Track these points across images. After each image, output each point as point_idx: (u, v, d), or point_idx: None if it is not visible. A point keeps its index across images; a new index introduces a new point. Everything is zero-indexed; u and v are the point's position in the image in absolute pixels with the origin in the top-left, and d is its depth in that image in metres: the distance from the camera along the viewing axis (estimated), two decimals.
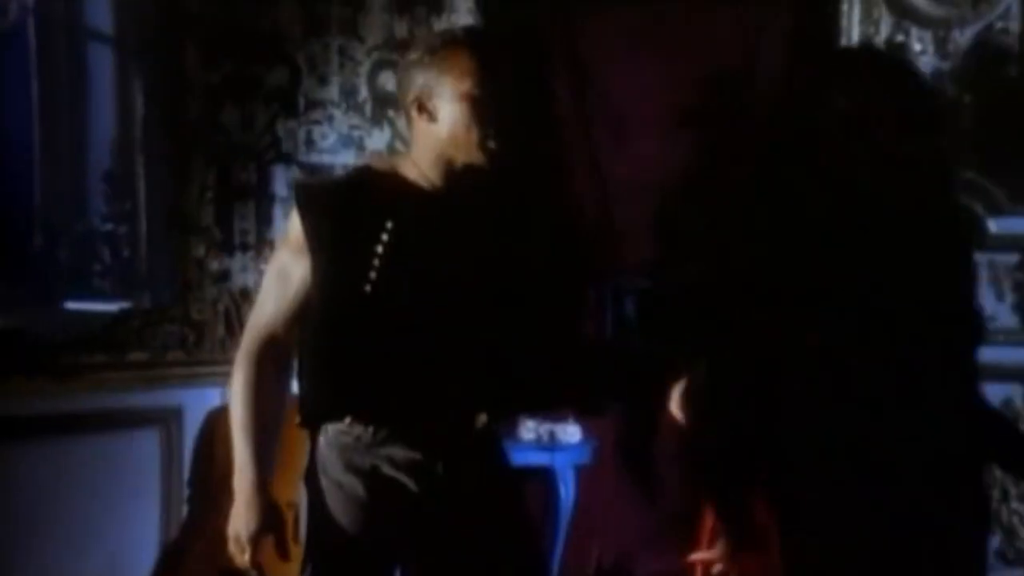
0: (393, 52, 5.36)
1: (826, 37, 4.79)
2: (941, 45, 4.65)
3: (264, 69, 5.38)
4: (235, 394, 3.13)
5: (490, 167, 2.98)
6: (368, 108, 5.47)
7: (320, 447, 3.12)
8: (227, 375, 4.83)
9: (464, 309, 3.03)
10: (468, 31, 3.15)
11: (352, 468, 3.06)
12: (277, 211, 5.43)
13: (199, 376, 5.21)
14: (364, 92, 5.46)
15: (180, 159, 5.24)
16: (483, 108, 2.96)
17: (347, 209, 3.05)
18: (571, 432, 5.24)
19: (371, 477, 3.05)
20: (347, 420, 3.04)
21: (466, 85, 2.94)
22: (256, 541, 3.10)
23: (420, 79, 2.99)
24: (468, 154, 2.99)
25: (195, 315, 5.29)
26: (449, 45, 3.01)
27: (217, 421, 4.87)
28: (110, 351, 5.07)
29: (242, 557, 3.12)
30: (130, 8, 5.18)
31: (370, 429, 3.03)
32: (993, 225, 4.55)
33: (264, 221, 5.43)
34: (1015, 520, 4.59)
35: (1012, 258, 4.58)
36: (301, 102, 5.44)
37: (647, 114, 4.97)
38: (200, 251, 5.28)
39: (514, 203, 3.16)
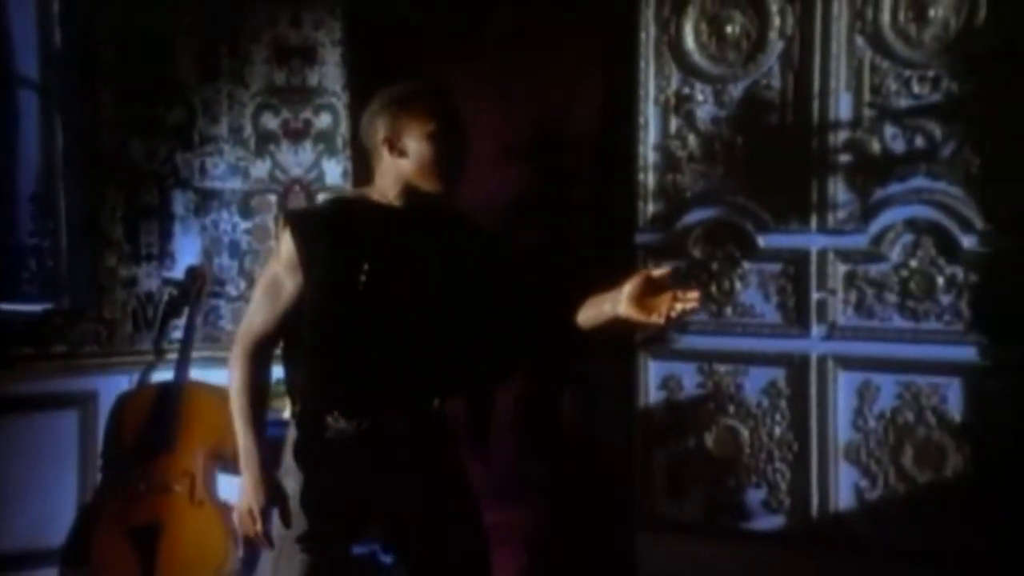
0: (272, 97, 5.56)
1: (628, 89, 4.96)
2: (719, 97, 4.85)
3: (166, 110, 5.47)
4: (236, 389, 3.17)
5: (445, 192, 3.14)
6: (252, 143, 5.62)
7: (310, 430, 3.20)
8: (135, 365, 5.11)
9: (426, 309, 3.14)
10: (428, 85, 3.22)
11: (336, 445, 3.16)
12: (176, 227, 5.51)
13: (111, 366, 5.32)
14: (249, 129, 5.61)
15: (95, 184, 5.33)
16: (443, 145, 3.11)
17: (334, 230, 3.14)
18: None
19: (352, 452, 3.14)
20: (336, 412, 3.14)
21: (431, 127, 3.10)
22: (265, 514, 3.13)
23: (390, 123, 3.13)
24: (429, 182, 3.13)
25: (107, 315, 5.36)
26: (415, 96, 3.14)
27: (124, 402, 5.07)
28: (36, 344, 5.22)
29: (254, 527, 3.15)
30: (53, 59, 5.25)
31: (354, 417, 3.13)
32: (761, 241, 4.77)
33: (165, 236, 5.50)
34: (777, 476, 4.82)
35: (776, 267, 4.76)
36: (196, 137, 5.54)
37: (489, 148, 4.92)
38: (112, 261, 5.37)
39: (459, 218, 3.28)
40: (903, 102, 4.50)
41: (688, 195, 4.90)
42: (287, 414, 3.27)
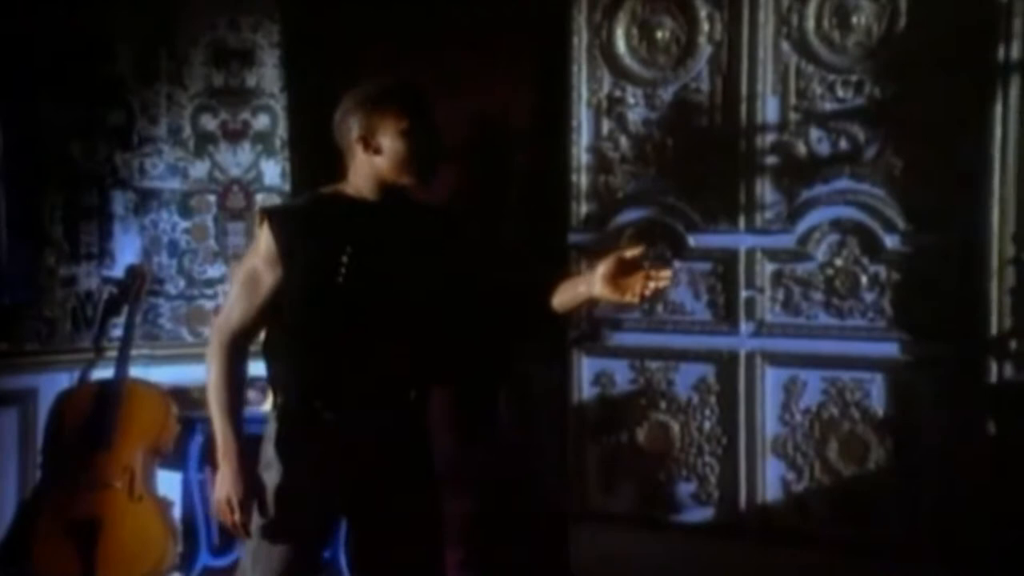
0: (211, 98, 5.52)
1: (561, 92, 4.92)
2: (649, 99, 4.82)
3: (105, 111, 5.41)
4: (214, 382, 3.15)
5: (419, 187, 3.16)
6: (191, 143, 5.57)
7: (290, 423, 3.19)
8: (75, 363, 5.05)
9: (404, 301, 3.14)
10: (400, 83, 3.20)
11: (317, 436, 3.15)
12: (116, 227, 5.44)
13: (51, 363, 5.26)
14: (188, 130, 5.56)
15: (36, 184, 5.26)
16: (417, 141, 3.11)
17: (313, 225, 3.15)
18: None
19: (332, 442, 3.14)
20: (317, 404, 3.13)
21: (404, 124, 3.10)
22: (245, 505, 3.13)
23: (364, 121, 3.11)
24: (404, 178, 3.14)
25: (48, 313, 5.29)
26: (387, 94, 3.14)
27: (64, 400, 5.04)
28: None
29: (232, 518, 3.14)
30: None
31: (335, 408, 3.13)
32: (691, 240, 4.74)
33: (105, 235, 5.43)
34: (707, 470, 4.81)
35: (706, 266, 4.73)
36: (135, 138, 5.48)
37: None
38: (52, 260, 5.30)
39: (434, 211, 3.31)
40: (828, 106, 4.50)
41: (620, 196, 4.87)
42: (267, 407, 3.29)
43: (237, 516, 3.11)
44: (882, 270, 4.47)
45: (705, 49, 4.70)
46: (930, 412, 4.38)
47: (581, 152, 4.90)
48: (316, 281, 3.10)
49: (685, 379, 4.81)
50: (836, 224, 4.52)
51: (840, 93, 4.49)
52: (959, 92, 4.24)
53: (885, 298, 4.48)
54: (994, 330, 4.24)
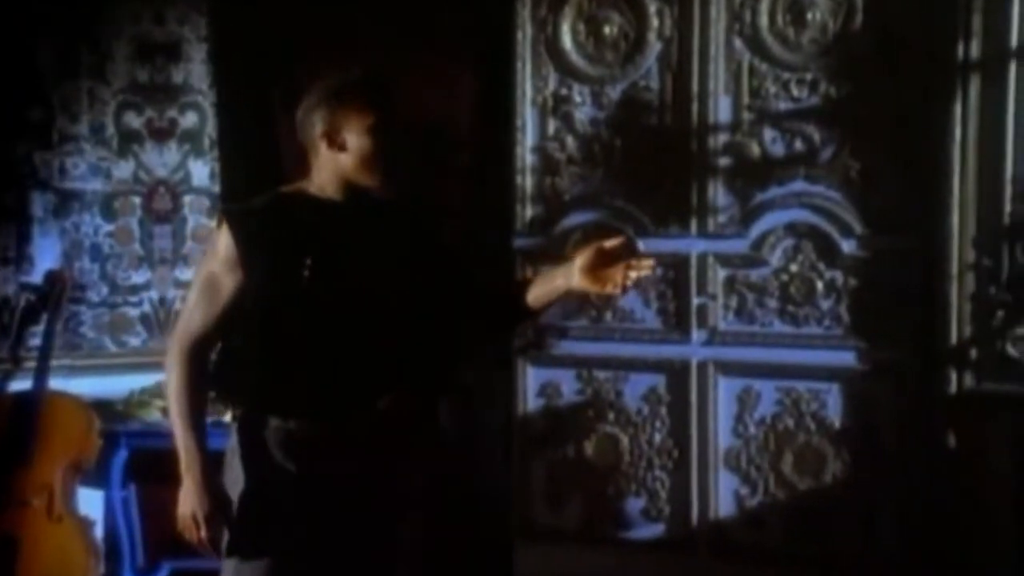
0: (136, 95, 5.39)
1: (505, 90, 4.84)
2: (597, 98, 4.74)
3: (23, 108, 5.29)
4: (175, 392, 3.10)
5: (386, 186, 3.10)
6: (115, 142, 5.45)
7: (253, 434, 3.13)
8: None
9: (371, 305, 3.09)
10: (366, 76, 3.15)
11: (282, 448, 3.09)
12: (35, 230, 5.34)
13: None
14: (111, 128, 5.43)
15: None
16: (384, 138, 3.05)
17: (274, 226, 3.08)
18: None
19: (301, 457, 3.09)
20: (281, 414, 3.08)
21: (370, 120, 3.03)
22: (211, 520, 3.07)
23: (328, 117, 3.05)
24: (370, 177, 3.08)
25: None
26: (353, 88, 3.08)
27: None
28: None
29: (197, 534, 3.09)
30: None
31: (300, 418, 3.08)
32: (641, 245, 4.03)
33: (23, 239, 5.33)
34: (657, 484, 4.75)
35: (656, 272, 4.37)
36: (55, 136, 5.35)
37: None
38: None
39: (400, 210, 3.23)
40: (782, 105, 4.45)
41: (567, 198, 4.80)
42: (228, 418, 3.26)
43: (203, 532, 3.05)
44: (839, 276, 4.43)
45: (655, 46, 4.64)
46: (888, 423, 4.35)
47: (526, 153, 4.83)
48: (278, 285, 3.05)
49: (634, 390, 4.75)
50: (791, 228, 4.48)
51: (795, 92, 4.45)
52: (918, 91, 4.22)
53: (842, 305, 4.44)
54: (954, 338, 4.22)
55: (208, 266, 3.12)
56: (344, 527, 3.16)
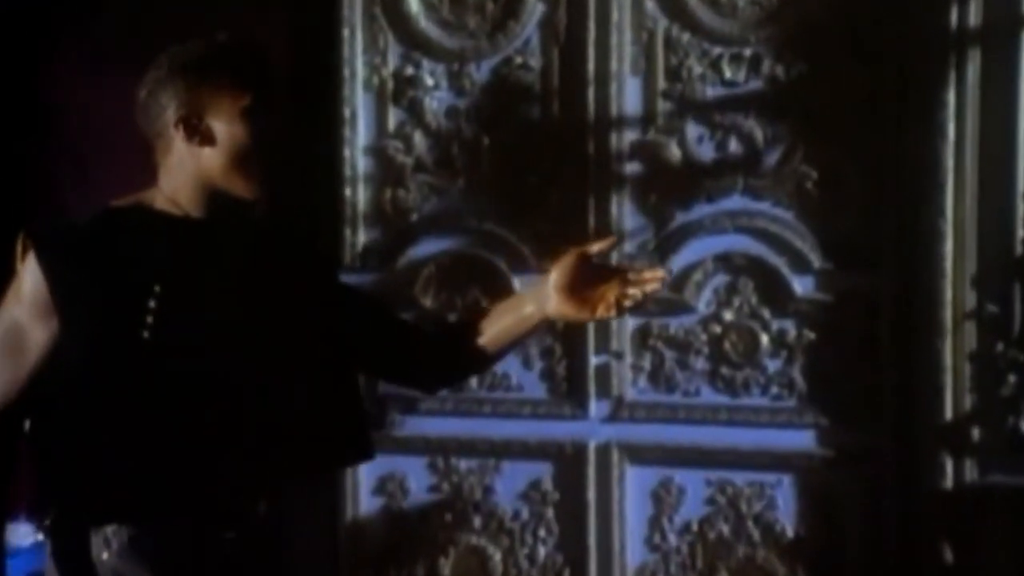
0: None
1: (326, 69, 4.32)
2: (456, 80, 4.23)
3: None
4: None
5: (260, 194, 2.73)
6: None
7: (73, 551, 2.72)
8: None
9: (244, 363, 2.74)
10: (238, 43, 2.77)
11: (114, 572, 2.70)
12: None
13: None
14: None
15: None
16: (263, 127, 2.70)
17: (103, 255, 2.71)
18: (23, 533, 4.51)
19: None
20: (112, 523, 2.68)
21: (245, 101, 2.67)
22: None
23: (186, 96, 2.67)
24: (242, 181, 2.71)
25: None
26: (221, 57, 2.72)
27: None
28: None
29: None
30: None
31: (139, 530, 2.69)
32: (518, 283, 4.09)
33: None
34: None
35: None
36: None
37: (128, 146, 3.84)
38: None
39: (280, 232, 2.95)
40: (711, 91, 4.01)
41: (415, 218, 4.28)
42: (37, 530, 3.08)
43: None
44: (790, 326, 3.97)
45: (535, 8, 4.12)
46: (858, 529, 3.95)
47: (356, 155, 4.30)
48: (109, 337, 2.67)
49: (510, 484, 4.22)
50: (725, 260, 4.01)
51: (728, 73, 3.99)
52: (895, 72, 3.84)
53: (794, 366, 3.98)
54: (949, 413, 3.81)
55: (8, 312, 2.76)
56: None
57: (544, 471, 4.17)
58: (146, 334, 2.68)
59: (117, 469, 2.72)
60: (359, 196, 4.32)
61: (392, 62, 4.25)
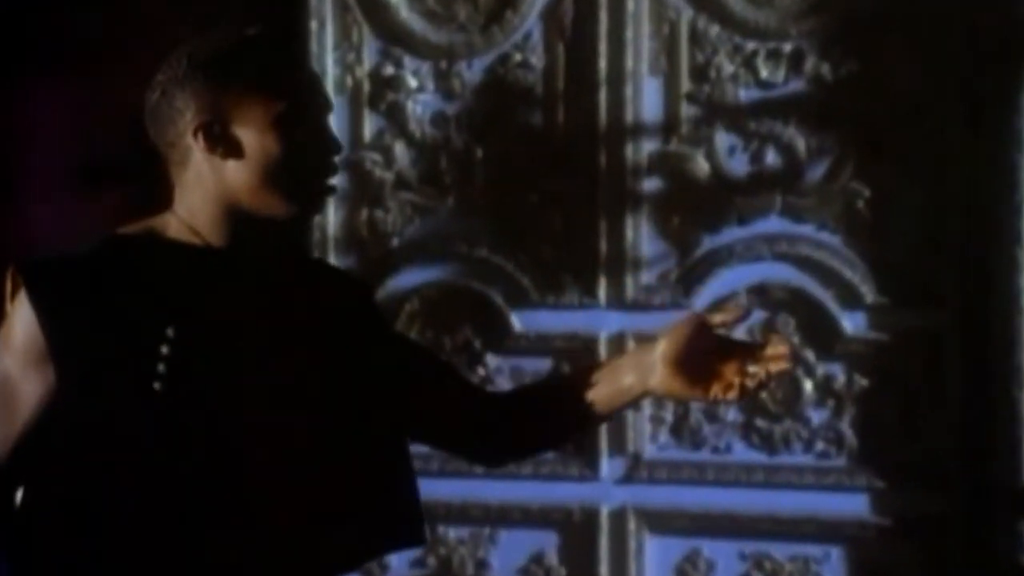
0: None
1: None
2: (444, 81, 3.94)
3: None
4: None
5: (299, 218, 2.36)
6: None
7: None
8: None
9: (276, 433, 2.41)
10: (267, 39, 2.33)
11: None
12: None
13: None
14: None
15: None
16: (300, 139, 2.29)
17: (108, 293, 2.39)
18: None
19: None
20: None
21: (280, 106, 2.28)
22: None
23: (209, 99, 2.29)
24: (275, 202, 2.34)
25: None
26: (250, 55, 2.30)
27: None
28: None
29: None
30: None
31: None
32: (517, 321, 3.83)
33: None
34: None
35: (542, 363, 3.87)
36: None
37: (60, 167, 4.12)
38: None
39: (318, 266, 2.74)
40: (744, 94, 3.72)
41: (395, 243, 4.00)
42: None
43: None
44: (838, 371, 3.72)
45: None
46: None
47: None
48: (115, 391, 2.31)
49: (508, 556, 3.91)
50: (761, 293, 3.74)
51: (764, 73, 3.71)
52: (964, 71, 3.55)
53: (844, 418, 3.69)
54: None
55: None
56: None
57: (548, 542, 3.90)
58: (158, 386, 2.36)
59: (119, 554, 2.41)
60: (329, 218, 4.06)
61: (368, 60, 3.99)
